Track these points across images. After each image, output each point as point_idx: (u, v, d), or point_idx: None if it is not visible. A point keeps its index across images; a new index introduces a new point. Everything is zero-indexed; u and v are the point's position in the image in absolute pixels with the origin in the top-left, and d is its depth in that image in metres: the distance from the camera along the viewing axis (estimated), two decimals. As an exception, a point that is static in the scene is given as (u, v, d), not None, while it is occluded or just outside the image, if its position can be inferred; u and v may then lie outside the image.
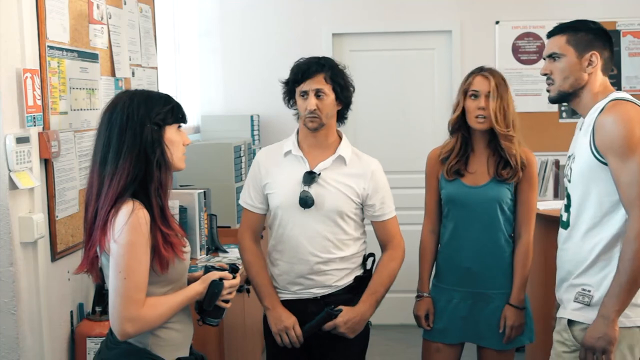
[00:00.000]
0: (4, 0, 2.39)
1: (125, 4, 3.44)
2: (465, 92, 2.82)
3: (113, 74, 3.25)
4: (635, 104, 2.26)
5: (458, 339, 2.89)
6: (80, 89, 2.88)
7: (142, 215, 1.96)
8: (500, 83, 2.79)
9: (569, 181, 2.40)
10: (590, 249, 2.31)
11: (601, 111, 2.25)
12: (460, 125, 2.84)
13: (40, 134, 2.56)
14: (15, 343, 2.41)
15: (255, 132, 5.08)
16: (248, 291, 2.60)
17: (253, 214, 2.78)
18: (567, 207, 2.40)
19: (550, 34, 2.43)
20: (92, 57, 3.02)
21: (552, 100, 2.45)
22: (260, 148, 5.13)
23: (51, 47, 2.66)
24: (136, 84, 3.51)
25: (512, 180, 2.79)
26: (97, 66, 3.06)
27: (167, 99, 2.10)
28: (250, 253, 2.76)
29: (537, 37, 5.19)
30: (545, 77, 2.46)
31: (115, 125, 2.01)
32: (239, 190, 4.42)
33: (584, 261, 2.33)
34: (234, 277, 2.16)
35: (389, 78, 5.26)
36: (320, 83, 2.61)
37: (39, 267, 2.53)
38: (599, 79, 2.35)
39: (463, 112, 2.82)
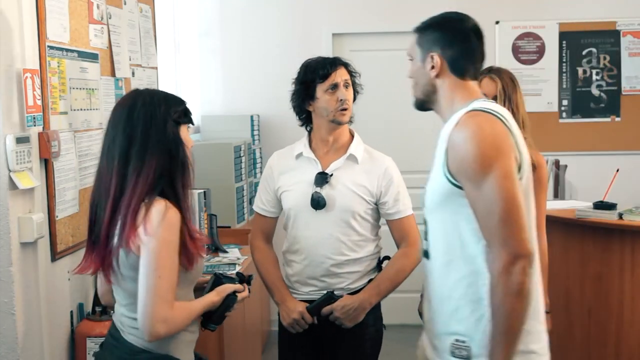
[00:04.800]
0: (4, 0, 2.39)
1: (125, 4, 3.44)
2: None
3: (113, 74, 3.25)
4: (494, 114, 1.89)
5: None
6: (80, 89, 2.88)
7: (175, 214, 1.95)
8: (507, 84, 2.74)
9: (423, 205, 2.05)
10: (452, 287, 1.93)
11: (456, 125, 1.90)
12: None
13: (40, 134, 2.56)
14: (15, 343, 2.40)
15: (255, 132, 5.08)
16: (249, 291, 2.60)
17: (265, 218, 2.79)
18: (426, 235, 2.05)
19: (413, 31, 2.11)
20: (92, 57, 3.02)
21: (415, 107, 2.15)
22: (260, 148, 5.14)
23: (51, 47, 2.66)
24: (136, 84, 3.51)
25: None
26: (97, 66, 3.06)
27: (180, 99, 2.11)
28: (260, 251, 2.78)
29: (537, 37, 5.20)
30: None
31: (138, 122, 1.98)
32: (239, 190, 4.43)
33: (448, 300, 1.95)
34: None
35: (389, 78, 5.25)
36: (346, 74, 2.68)
37: (38, 267, 2.52)
38: (451, 82, 2.00)
39: None
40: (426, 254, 2.04)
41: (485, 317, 1.86)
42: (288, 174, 2.71)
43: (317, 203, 2.62)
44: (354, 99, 2.73)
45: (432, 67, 1.99)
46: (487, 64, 3.04)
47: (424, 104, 2.09)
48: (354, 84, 2.72)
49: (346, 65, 2.71)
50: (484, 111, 1.89)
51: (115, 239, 1.95)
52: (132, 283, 1.95)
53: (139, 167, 1.96)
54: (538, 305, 1.93)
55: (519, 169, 1.86)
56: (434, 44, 2.01)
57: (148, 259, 1.91)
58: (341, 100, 2.62)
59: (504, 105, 2.72)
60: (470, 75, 2.01)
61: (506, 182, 1.80)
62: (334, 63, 2.66)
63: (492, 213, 1.79)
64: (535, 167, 2.77)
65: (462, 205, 1.87)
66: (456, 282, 1.92)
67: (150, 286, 1.90)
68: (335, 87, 2.63)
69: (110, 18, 3.23)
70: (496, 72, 2.78)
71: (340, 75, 2.65)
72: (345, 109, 2.63)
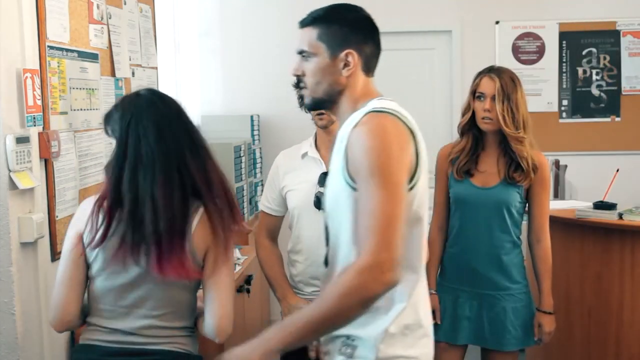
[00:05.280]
0: (4, 0, 2.39)
1: (125, 4, 3.44)
2: (474, 93, 2.81)
3: (113, 74, 3.25)
4: (397, 116, 1.75)
5: (463, 340, 2.88)
6: (80, 89, 2.88)
7: None
8: (507, 84, 2.74)
9: (324, 209, 1.93)
10: None
11: (357, 125, 1.74)
12: (471, 126, 2.83)
13: (40, 134, 2.56)
14: (15, 343, 2.40)
15: (255, 132, 5.08)
16: (248, 291, 2.60)
17: (270, 216, 2.80)
18: (327, 241, 1.91)
19: (301, 24, 1.91)
20: (92, 57, 3.02)
21: (307, 107, 1.97)
22: (260, 148, 5.14)
23: (51, 47, 2.66)
24: (136, 84, 3.50)
25: (523, 183, 2.78)
26: (97, 66, 3.06)
27: None
28: (264, 249, 2.80)
29: (537, 37, 5.20)
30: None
31: (190, 123, 2.05)
32: (239, 190, 4.42)
33: None
34: None
35: (389, 78, 5.25)
36: None
37: (39, 267, 2.52)
38: (360, 81, 1.84)
39: (474, 112, 2.81)
40: (325, 261, 1.92)
41: (376, 321, 1.75)
42: (293, 173, 2.72)
43: (320, 203, 2.62)
44: None
45: (345, 66, 1.81)
46: (487, 64, 3.07)
47: (321, 104, 1.89)
48: None
49: None
50: (385, 112, 1.74)
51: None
52: (184, 291, 2.01)
53: (204, 169, 2.00)
54: (422, 311, 1.85)
55: (414, 175, 1.73)
56: (346, 40, 1.81)
57: (229, 264, 2.00)
58: None
59: (502, 105, 2.73)
60: (373, 72, 1.88)
61: (397, 188, 1.66)
62: None
63: (372, 214, 1.62)
64: (537, 168, 2.78)
65: None
66: None
67: (231, 290, 1.99)
68: None
69: (110, 18, 3.23)
70: (496, 72, 2.79)
71: None
72: (319, 114, 2.63)
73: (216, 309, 1.95)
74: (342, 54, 1.80)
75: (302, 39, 1.86)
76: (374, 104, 1.78)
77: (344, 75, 1.82)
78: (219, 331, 1.97)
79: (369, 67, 1.86)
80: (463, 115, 2.87)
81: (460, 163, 2.82)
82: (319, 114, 2.63)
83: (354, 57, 1.81)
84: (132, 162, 1.94)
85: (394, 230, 1.63)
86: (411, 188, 1.72)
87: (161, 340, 1.99)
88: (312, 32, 1.85)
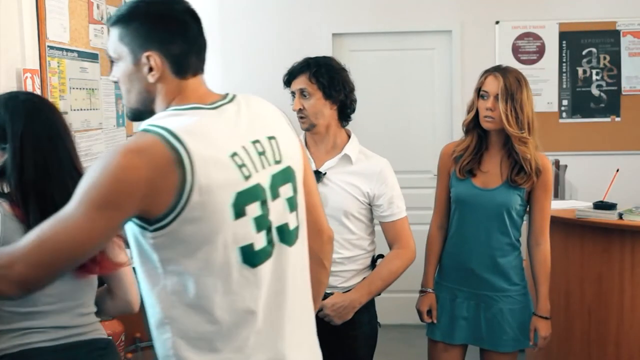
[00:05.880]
0: (4, 0, 2.39)
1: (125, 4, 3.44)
2: (478, 91, 2.80)
3: (113, 74, 3.26)
4: (165, 137, 1.43)
5: (460, 339, 2.88)
6: (80, 89, 2.89)
7: None
8: (512, 84, 2.72)
9: None
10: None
11: None
12: (475, 124, 2.82)
13: (40, 134, 2.56)
14: (15, 343, 2.40)
15: (255, 132, 5.08)
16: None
17: None
18: None
19: (109, 24, 1.62)
20: (92, 57, 3.02)
21: (128, 119, 1.74)
22: (260, 148, 5.14)
23: (51, 47, 2.66)
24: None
25: (525, 186, 2.76)
26: (97, 66, 3.07)
27: None
28: None
29: (537, 37, 5.20)
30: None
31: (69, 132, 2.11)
32: (239, 190, 4.43)
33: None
34: None
35: (389, 78, 5.26)
36: (303, 83, 2.61)
37: (38, 267, 2.52)
38: (172, 86, 1.59)
39: (478, 111, 2.80)
40: None
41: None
42: None
43: None
44: (339, 102, 2.64)
45: (151, 70, 1.55)
46: (487, 64, 3.07)
47: (139, 114, 1.62)
48: (326, 89, 2.60)
49: (315, 69, 2.60)
50: (150, 132, 1.45)
51: None
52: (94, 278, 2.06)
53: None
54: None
55: (173, 209, 1.42)
56: (147, 40, 1.55)
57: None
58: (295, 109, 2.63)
59: (505, 104, 2.71)
60: (192, 72, 1.64)
61: (84, 218, 1.40)
62: (293, 72, 2.65)
63: (46, 231, 1.41)
64: (540, 171, 2.77)
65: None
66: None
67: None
68: (293, 95, 2.65)
69: (110, 18, 3.23)
70: (502, 71, 2.77)
71: (297, 85, 2.62)
72: (301, 117, 2.63)
73: (127, 284, 2.01)
74: (143, 57, 1.55)
75: (110, 42, 1.61)
76: (154, 119, 1.50)
77: (150, 81, 1.56)
78: (137, 300, 2.01)
79: (182, 68, 1.60)
80: (468, 113, 2.85)
81: (464, 162, 2.81)
82: (300, 116, 2.63)
83: (156, 60, 1.55)
84: (35, 174, 1.87)
85: (44, 258, 1.40)
86: (166, 224, 1.43)
87: (87, 330, 1.97)
88: (115, 34, 1.58)
